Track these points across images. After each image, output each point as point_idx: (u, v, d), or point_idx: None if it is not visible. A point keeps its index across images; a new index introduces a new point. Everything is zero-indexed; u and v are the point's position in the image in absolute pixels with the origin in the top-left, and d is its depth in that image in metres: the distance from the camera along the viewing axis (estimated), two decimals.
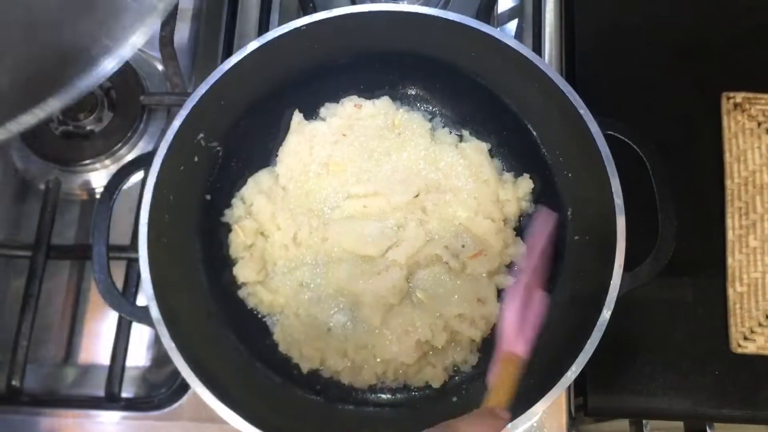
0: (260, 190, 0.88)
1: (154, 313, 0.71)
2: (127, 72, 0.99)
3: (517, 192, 0.88)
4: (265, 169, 0.90)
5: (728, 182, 0.92)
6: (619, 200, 0.73)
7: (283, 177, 0.88)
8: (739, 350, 0.86)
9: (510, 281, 0.86)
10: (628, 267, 0.72)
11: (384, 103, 0.91)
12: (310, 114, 0.92)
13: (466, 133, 0.92)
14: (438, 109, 0.93)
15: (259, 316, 0.87)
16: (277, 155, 0.90)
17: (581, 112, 0.75)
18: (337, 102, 0.91)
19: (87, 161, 0.97)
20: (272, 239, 0.86)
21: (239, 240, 0.86)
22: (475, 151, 0.89)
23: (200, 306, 0.80)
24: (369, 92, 0.92)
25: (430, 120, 0.93)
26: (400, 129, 0.90)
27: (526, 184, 0.88)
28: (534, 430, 0.84)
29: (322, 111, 0.92)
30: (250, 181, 0.89)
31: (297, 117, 0.90)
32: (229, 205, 0.88)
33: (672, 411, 0.86)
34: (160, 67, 1.04)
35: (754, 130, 0.94)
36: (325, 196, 0.88)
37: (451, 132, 0.92)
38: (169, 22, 0.98)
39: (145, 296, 0.72)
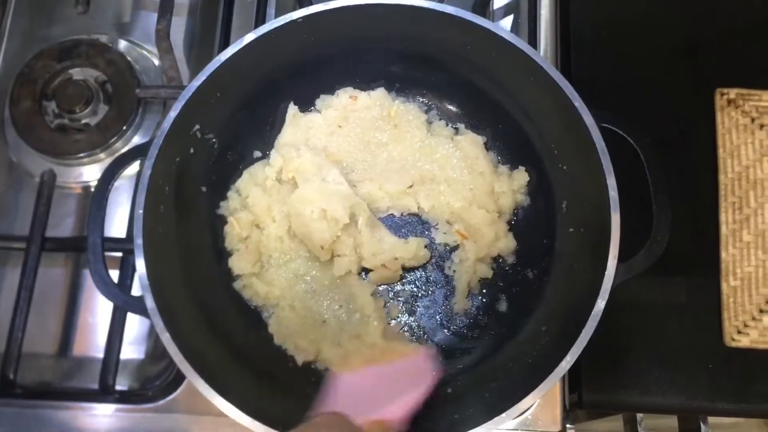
0: (256, 182, 0.88)
1: (149, 303, 0.71)
2: (123, 65, 0.99)
3: (512, 184, 0.88)
4: (261, 162, 0.90)
5: (722, 177, 0.92)
6: (613, 192, 0.73)
7: (279, 169, 0.88)
8: (733, 344, 0.87)
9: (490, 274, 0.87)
10: (622, 258, 0.72)
11: (379, 94, 0.91)
12: (306, 106, 0.92)
13: (461, 126, 0.92)
14: (434, 102, 0.94)
15: (254, 307, 0.87)
16: (272, 147, 0.91)
17: (576, 104, 0.76)
18: (333, 94, 0.91)
19: (82, 154, 0.97)
20: (267, 231, 0.87)
21: (234, 232, 0.86)
22: (470, 144, 0.89)
23: (195, 297, 0.79)
24: (365, 84, 0.92)
25: (426, 112, 0.93)
26: (396, 120, 0.91)
27: (521, 176, 0.88)
28: (529, 422, 0.84)
29: (318, 102, 0.92)
30: (246, 174, 0.89)
31: (292, 109, 0.90)
32: (224, 198, 0.88)
33: (666, 405, 0.86)
34: (156, 61, 1.04)
35: (747, 125, 0.94)
36: None
37: (447, 125, 0.92)
38: (166, 16, 0.98)
39: (140, 286, 0.72)
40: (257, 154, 0.92)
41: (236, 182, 0.89)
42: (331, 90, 0.92)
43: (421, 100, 0.94)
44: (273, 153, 0.90)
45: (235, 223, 0.86)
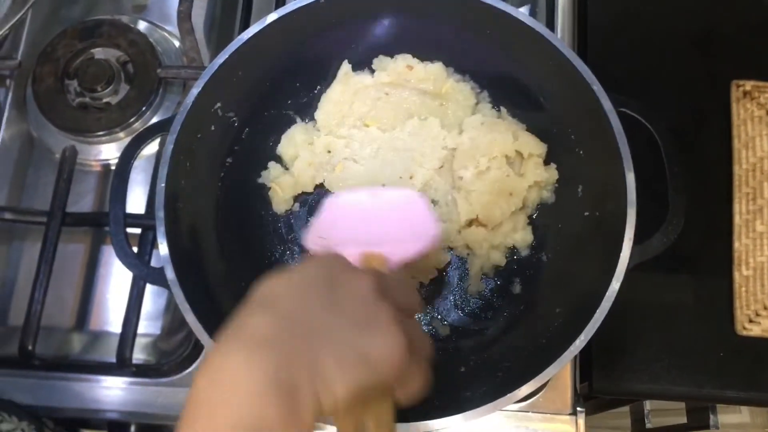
0: (295, 145, 0.90)
1: (169, 274, 0.72)
2: (144, 46, 1.01)
3: (539, 179, 0.87)
4: (299, 125, 0.92)
5: (736, 168, 0.93)
6: (630, 175, 0.74)
7: (321, 125, 0.90)
8: (744, 333, 0.87)
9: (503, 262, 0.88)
10: (637, 240, 0.73)
11: (436, 68, 0.90)
12: (362, 65, 0.92)
13: (504, 110, 0.91)
14: (486, 85, 0.93)
15: None
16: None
17: (594, 88, 0.76)
18: (391, 57, 0.91)
19: (101, 132, 0.98)
20: None
21: (278, 197, 0.89)
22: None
23: (217, 268, 0.81)
24: (423, 54, 0.91)
25: (479, 94, 0.92)
26: (445, 99, 0.90)
27: (551, 173, 0.88)
28: (540, 404, 0.84)
29: (375, 63, 0.91)
30: (284, 138, 0.91)
31: (345, 67, 0.90)
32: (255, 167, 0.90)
33: (676, 392, 0.87)
34: (176, 42, 1.05)
35: (762, 117, 0.95)
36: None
37: (493, 107, 0.92)
38: None
39: (161, 258, 0.73)
40: (277, 133, 0.92)
41: (276, 150, 0.91)
42: (389, 52, 0.91)
43: (475, 79, 0.92)
44: (318, 107, 0.91)
45: (278, 188, 0.88)
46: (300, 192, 0.90)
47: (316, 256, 0.55)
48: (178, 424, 0.45)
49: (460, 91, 0.90)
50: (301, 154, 0.89)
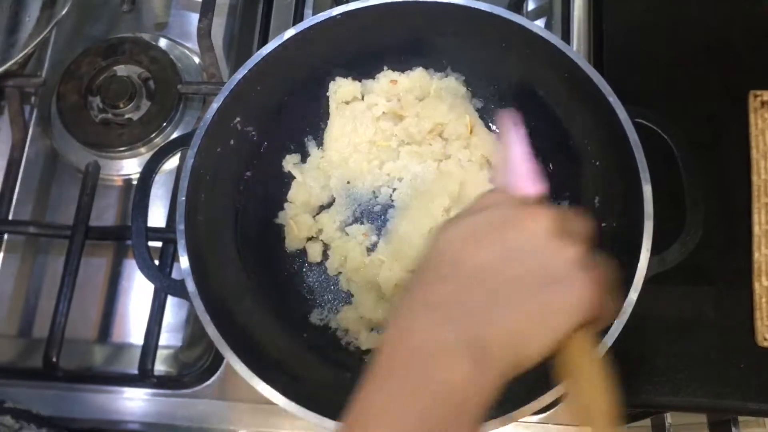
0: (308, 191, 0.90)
1: (190, 286, 0.73)
2: (165, 62, 1.03)
3: None
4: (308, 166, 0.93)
5: (755, 178, 0.93)
6: (647, 185, 0.74)
7: (333, 160, 0.91)
8: (765, 344, 0.86)
9: None
10: (655, 251, 0.73)
11: (418, 74, 0.91)
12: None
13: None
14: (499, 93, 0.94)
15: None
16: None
17: (610, 99, 0.76)
18: (373, 78, 0.92)
19: (123, 148, 1.00)
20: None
21: (294, 234, 0.89)
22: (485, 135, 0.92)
23: (236, 281, 0.82)
24: (402, 63, 0.92)
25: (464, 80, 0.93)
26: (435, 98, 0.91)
27: None
28: (558, 416, 0.84)
29: (360, 88, 0.92)
30: (294, 185, 0.91)
31: (333, 101, 0.91)
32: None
33: (696, 404, 0.86)
34: (196, 59, 1.07)
35: None
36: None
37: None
38: (207, 15, 1.01)
39: (182, 270, 0.74)
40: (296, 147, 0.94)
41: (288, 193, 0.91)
42: (369, 74, 0.92)
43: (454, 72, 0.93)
44: (325, 147, 0.92)
45: (294, 226, 0.88)
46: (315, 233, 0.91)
47: (486, 196, 0.51)
48: (364, 382, 0.45)
49: (446, 87, 0.91)
50: (312, 197, 0.90)
